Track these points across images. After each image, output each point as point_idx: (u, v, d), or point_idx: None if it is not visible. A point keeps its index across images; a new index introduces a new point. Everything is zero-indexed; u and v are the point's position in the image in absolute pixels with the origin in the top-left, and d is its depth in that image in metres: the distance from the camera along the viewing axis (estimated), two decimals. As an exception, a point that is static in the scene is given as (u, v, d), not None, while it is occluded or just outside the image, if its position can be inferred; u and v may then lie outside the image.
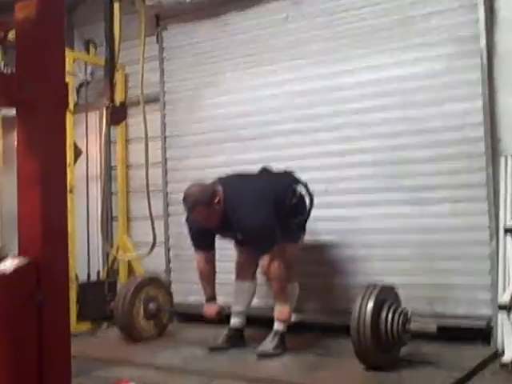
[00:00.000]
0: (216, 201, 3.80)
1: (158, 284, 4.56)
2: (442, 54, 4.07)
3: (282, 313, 3.85)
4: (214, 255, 4.10)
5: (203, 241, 4.06)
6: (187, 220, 4.08)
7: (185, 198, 3.84)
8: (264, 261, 3.77)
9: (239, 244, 4.10)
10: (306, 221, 4.04)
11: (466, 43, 4.00)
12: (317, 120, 4.51)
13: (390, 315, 3.36)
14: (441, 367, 3.41)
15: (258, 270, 4.05)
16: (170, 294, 4.64)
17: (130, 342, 4.30)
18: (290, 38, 4.65)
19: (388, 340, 3.36)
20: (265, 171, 4.20)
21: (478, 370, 3.40)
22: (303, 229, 4.07)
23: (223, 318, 4.15)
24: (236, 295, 4.17)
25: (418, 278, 4.10)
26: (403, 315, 3.39)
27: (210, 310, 4.09)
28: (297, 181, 4.08)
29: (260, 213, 3.79)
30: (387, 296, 3.48)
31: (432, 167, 4.10)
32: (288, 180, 4.09)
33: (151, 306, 4.40)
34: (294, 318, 3.87)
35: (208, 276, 4.09)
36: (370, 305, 3.34)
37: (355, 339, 3.34)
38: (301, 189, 4.03)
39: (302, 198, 4.03)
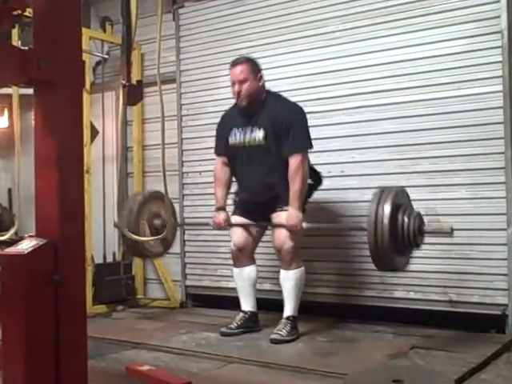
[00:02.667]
0: (260, 75, 3.92)
1: (160, 200, 4.35)
2: (462, 35, 3.99)
3: (292, 216, 3.74)
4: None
5: (226, 144, 4.08)
6: (219, 124, 4.17)
7: (235, 59, 4.03)
8: (295, 158, 3.76)
9: (243, 159, 3.99)
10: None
11: (486, 23, 3.91)
12: (335, 102, 4.46)
13: (405, 218, 3.33)
14: (454, 355, 3.38)
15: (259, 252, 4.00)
16: (172, 209, 4.56)
17: (144, 322, 4.31)
18: (308, 19, 4.58)
19: (404, 242, 3.34)
20: None
21: (492, 358, 3.37)
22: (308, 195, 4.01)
23: (231, 227, 4.10)
24: (239, 283, 4.14)
25: (432, 264, 4.07)
26: (418, 218, 3.37)
27: (219, 218, 4.06)
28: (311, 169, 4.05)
29: (303, 113, 3.91)
30: (402, 200, 3.44)
31: (450, 151, 4.04)
32: None
33: (156, 222, 4.31)
34: (305, 225, 3.76)
35: (223, 180, 4.09)
36: (388, 207, 3.28)
37: (372, 242, 3.29)
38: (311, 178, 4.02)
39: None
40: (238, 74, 3.88)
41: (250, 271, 4.11)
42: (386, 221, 3.26)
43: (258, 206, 3.97)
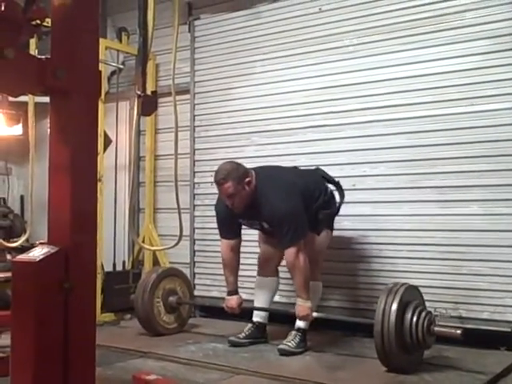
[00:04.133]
0: (247, 181, 3.77)
1: (177, 276, 4.55)
2: (475, 52, 4.00)
3: (302, 308, 3.75)
4: (239, 244, 4.07)
5: (229, 227, 4.03)
6: (216, 205, 4.08)
7: (216, 172, 3.82)
8: (290, 252, 3.71)
9: (264, 234, 4.08)
10: (334, 216, 4.04)
11: (499, 40, 3.92)
12: (346, 116, 4.48)
13: (414, 317, 3.32)
14: (464, 372, 3.36)
15: (282, 265, 4.05)
16: (189, 287, 4.64)
17: (151, 334, 4.32)
18: (322, 33, 4.61)
19: (412, 342, 3.32)
20: (296, 168, 4.21)
21: (501, 375, 3.35)
22: (331, 226, 4.05)
23: (245, 311, 4.13)
24: (258, 291, 4.16)
25: (443, 279, 4.06)
26: (428, 317, 3.35)
27: (232, 302, 4.06)
28: (328, 179, 4.08)
29: (291, 202, 3.76)
30: (412, 297, 3.44)
31: (461, 167, 4.04)
32: (319, 177, 4.08)
33: (171, 299, 4.40)
34: (315, 314, 3.79)
35: (231, 265, 4.05)
36: (395, 305, 3.29)
37: (378, 340, 3.29)
38: (331, 186, 4.04)
39: (332, 195, 4.04)
40: (226, 190, 3.75)
41: (271, 282, 4.13)
42: (392, 319, 3.26)
43: None
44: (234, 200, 3.77)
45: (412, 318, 3.31)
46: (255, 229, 4.07)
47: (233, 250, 4.04)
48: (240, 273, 4.13)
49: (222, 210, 4.00)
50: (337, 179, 4.12)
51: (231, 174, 3.75)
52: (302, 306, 3.75)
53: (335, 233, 4.16)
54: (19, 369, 1.76)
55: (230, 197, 3.77)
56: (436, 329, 3.36)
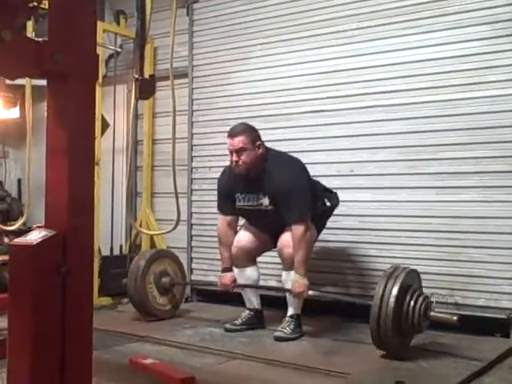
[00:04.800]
0: (258, 144, 3.83)
1: (167, 257, 4.53)
2: (475, 37, 3.97)
3: (299, 284, 3.72)
4: (236, 220, 4.09)
5: (228, 203, 4.03)
6: (219, 179, 4.12)
7: (232, 127, 3.93)
8: (299, 226, 3.70)
9: (250, 217, 4.04)
10: (325, 218, 4.06)
11: (500, 26, 3.89)
12: (345, 101, 4.46)
13: (412, 301, 3.32)
14: (458, 358, 3.37)
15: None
16: (180, 266, 4.63)
17: (146, 320, 4.33)
18: (321, 17, 4.57)
19: (407, 326, 3.33)
20: None
21: (496, 362, 3.36)
22: (319, 226, 4.04)
23: (238, 288, 4.12)
24: (241, 282, 4.11)
25: (440, 266, 4.06)
26: (425, 302, 3.36)
27: (226, 279, 4.06)
28: (327, 191, 4.10)
29: (303, 180, 3.81)
30: (412, 281, 3.43)
31: (461, 153, 4.03)
32: (322, 187, 4.09)
33: (164, 280, 4.39)
34: (311, 292, 3.76)
35: (227, 241, 4.06)
36: (396, 288, 3.28)
37: (374, 322, 3.29)
38: (329, 199, 4.06)
39: (327, 208, 4.06)
40: (237, 143, 3.78)
41: (251, 272, 4.11)
42: (392, 301, 3.26)
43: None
44: (241, 156, 3.79)
45: (410, 303, 3.32)
46: (246, 208, 3.97)
47: (230, 225, 4.06)
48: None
49: (223, 184, 4.04)
50: (334, 190, 4.12)
51: (246, 131, 3.84)
52: (299, 282, 3.73)
53: (332, 218, 4.16)
54: (16, 352, 1.77)
55: (238, 151, 3.79)
56: (432, 314, 3.37)
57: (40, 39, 1.92)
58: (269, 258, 4.36)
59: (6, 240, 5.25)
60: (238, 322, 4.05)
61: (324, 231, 4.13)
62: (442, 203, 4.09)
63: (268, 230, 4.02)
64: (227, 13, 5.06)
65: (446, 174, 4.08)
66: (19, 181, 6.19)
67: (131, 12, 5.23)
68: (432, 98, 4.12)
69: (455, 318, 3.33)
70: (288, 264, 3.86)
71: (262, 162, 3.84)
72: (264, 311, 4.18)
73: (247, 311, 4.12)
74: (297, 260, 3.76)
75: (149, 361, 3.21)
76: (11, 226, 4.30)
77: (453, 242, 4.03)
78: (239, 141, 3.78)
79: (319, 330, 4.02)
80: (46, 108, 1.97)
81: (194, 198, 5.20)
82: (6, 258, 4.32)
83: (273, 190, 3.80)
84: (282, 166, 3.84)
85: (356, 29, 4.42)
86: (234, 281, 4.06)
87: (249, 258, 4.09)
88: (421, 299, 3.36)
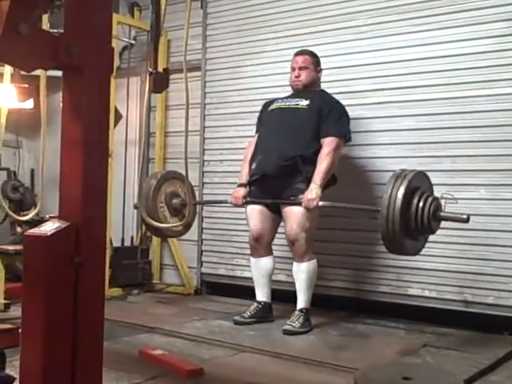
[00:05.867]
0: (319, 68, 4.20)
1: (177, 179, 4.38)
2: (490, 34, 3.96)
3: (311, 192, 3.79)
4: None
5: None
6: (264, 104, 4.32)
7: (299, 50, 4.26)
8: (332, 140, 3.91)
9: (278, 121, 4.11)
10: None
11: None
12: (357, 97, 4.45)
13: (421, 202, 3.26)
14: (466, 355, 3.38)
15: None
16: (192, 189, 4.47)
17: (158, 307, 4.35)
18: (335, 12, 4.58)
19: (417, 226, 3.27)
20: None
21: (504, 360, 3.36)
22: None
23: (248, 204, 4.12)
24: (255, 273, 4.17)
25: (449, 263, 4.07)
26: (435, 203, 3.29)
27: (238, 193, 4.13)
28: None
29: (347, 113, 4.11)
30: (420, 183, 3.37)
31: (471, 151, 4.03)
32: None
33: (175, 201, 4.30)
34: (321, 203, 3.78)
35: (250, 158, 4.17)
36: (402, 188, 3.23)
37: (383, 222, 3.24)
38: None
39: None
40: (303, 61, 4.13)
41: (266, 262, 4.13)
42: (398, 203, 3.21)
43: (273, 184, 3.96)
44: (302, 73, 4.11)
45: (418, 203, 3.26)
46: (281, 107, 4.14)
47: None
48: (244, 250, 4.14)
49: (269, 101, 4.27)
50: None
51: (312, 53, 4.20)
52: (314, 190, 3.79)
53: (347, 220, 4.15)
54: (29, 340, 1.79)
55: (301, 68, 4.12)
56: (442, 214, 3.33)
57: (56, 31, 1.93)
58: (278, 252, 4.38)
59: (18, 230, 5.29)
60: (247, 314, 4.08)
61: (327, 227, 4.11)
62: (451, 200, 4.07)
63: (271, 194, 3.99)
64: (241, 6, 5.07)
65: (456, 172, 4.08)
66: (32, 171, 6.24)
67: (145, 4, 5.24)
68: (446, 94, 4.12)
69: (465, 216, 3.30)
70: (299, 255, 3.89)
71: (316, 86, 4.18)
72: (273, 305, 4.20)
73: (256, 304, 4.14)
74: (318, 170, 3.85)
75: (158, 352, 3.24)
76: (24, 216, 4.33)
77: (462, 240, 4.02)
78: (305, 58, 4.13)
79: (328, 325, 4.04)
80: (60, 99, 1.99)
81: (205, 191, 5.22)
82: (18, 247, 4.36)
83: (319, 103, 4.02)
84: (332, 97, 4.14)
85: (370, 24, 4.42)
86: (245, 196, 4.10)
87: (266, 244, 4.11)
88: (430, 200, 3.29)
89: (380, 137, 4.36)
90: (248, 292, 4.26)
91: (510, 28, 3.90)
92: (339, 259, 4.46)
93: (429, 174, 4.09)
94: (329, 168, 3.84)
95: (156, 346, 3.43)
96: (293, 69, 4.17)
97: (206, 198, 5.19)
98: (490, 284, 3.93)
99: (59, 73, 1.99)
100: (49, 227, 1.78)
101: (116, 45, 5.19)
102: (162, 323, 3.99)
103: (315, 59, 4.18)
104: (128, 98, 5.43)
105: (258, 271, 4.14)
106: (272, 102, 4.26)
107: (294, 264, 3.97)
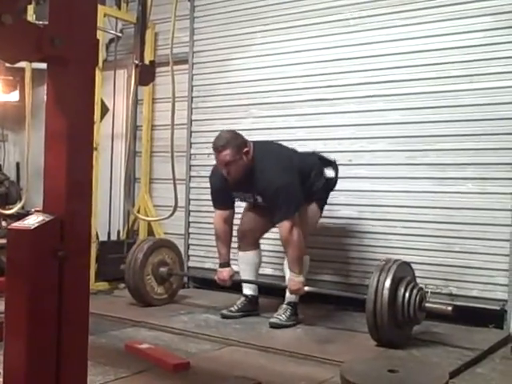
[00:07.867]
0: (245, 151, 3.78)
1: (166, 247, 4.54)
2: (477, 28, 3.97)
3: (294, 283, 3.77)
4: (232, 215, 4.09)
5: (223, 198, 4.04)
6: (211, 176, 4.09)
7: (216, 139, 3.82)
8: (284, 226, 3.72)
9: (255, 208, 4.07)
10: (328, 191, 4.06)
11: (502, 17, 3.88)
12: (345, 90, 4.46)
13: (407, 293, 3.36)
14: (451, 348, 3.41)
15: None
16: (180, 259, 4.64)
17: (141, 305, 4.35)
18: (323, 5, 4.56)
19: (403, 317, 3.36)
20: (294, 149, 4.16)
21: (488, 353, 3.40)
22: (323, 203, 4.06)
23: (236, 283, 4.16)
24: (242, 266, 4.17)
25: (435, 256, 4.09)
26: (420, 294, 3.39)
27: (224, 274, 4.09)
28: (324, 161, 4.08)
29: (287, 176, 3.76)
30: (405, 273, 3.47)
31: (459, 145, 4.05)
32: (316, 159, 4.08)
33: (162, 270, 4.40)
34: (307, 288, 3.81)
35: (224, 236, 4.06)
36: (388, 281, 3.33)
37: (370, 314, 3.34)
38: (328, 171, 4.05)
39: (328, 180, 4.06)
40: (224, 157, 3.74)
41: (253, 256, 4.14)
42: (385, 293, 3.31)
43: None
44: (231, 169, 3.77)
45: (404, 295, 3.35)
46: (248, 202, 4.08)
47: (226, 221, 4.06)
48: (233, 245, 4.15)
49: (216, 180, 4.00)
50: (333, 158, 4.12)
51: (230, 143, 3.75)
52: (294, 280, 3.78)
53: (330, 207, 4.17)
54: (13, 334, 1.78)
55: (226, 165, 3.76)
56: (427, 305, 3.40)
57: (40, 23, 1.91)
58: (266, 245, 4.38)
59: (3, 223, 5.26)
60: (234, 308, 4.08)
61: (322, 220, 4.14)
62: (438, 194, 4.10)
63: (268, 214, 4.00)
64: (228, -1, 5.04)
65: (443, 165, 4.09)
66: (18, 164, 6.19)
67: (132, -4, 5.21)
68: (432, 88, 4.13)
69: (450, 308, 3.36)
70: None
71: (251, 165, 3.81)
72: (261, 299, 4.21)
73: (242, 298, 4.14)
74: (289, 259, 3.80)
75: (144, 346, 3.24)
76: (9, 209, 4.30)
77: (449, 233, 4.04)
78: (225, 155, 3.73)
79: (314, 318, 4.04)
80: (45, 91, 1.97)
81: (192, 184, 5.20)
82: (3, 241, 4.33)
83: (260, 189, 3.82)
84: (267, 165, 3.80)
85: (357, 18, 4.42)
86: (232, 276, 4.09)
87: (253, 240, 4.12)
88: (415, 291, 3.38)
89: (368, 131, 4.36)
90: (235, 286, 4.25)
91: (496, 22, 3.92)
92: (326, 253, 4.46)
93: (417, 167, 4.16)
94: (297, 254, 3.75)
95: (142, 339, 3.42)
96: (219, 164, 3.83)
97: (192, 191, 5.18)
98: (475, 277, 3.96)
99: (45, 65, 1.98)
100: (32, 221, 1.77)
101: (102, 37, 5.15)
102: (149, 317, 3.97)
103: (237, 145, 3.75)
104: (114, 90, 5.40)
105: (246, 265, 4.14)
106: (223, 183, 3.93)
107: (285, 261, 3.95)
